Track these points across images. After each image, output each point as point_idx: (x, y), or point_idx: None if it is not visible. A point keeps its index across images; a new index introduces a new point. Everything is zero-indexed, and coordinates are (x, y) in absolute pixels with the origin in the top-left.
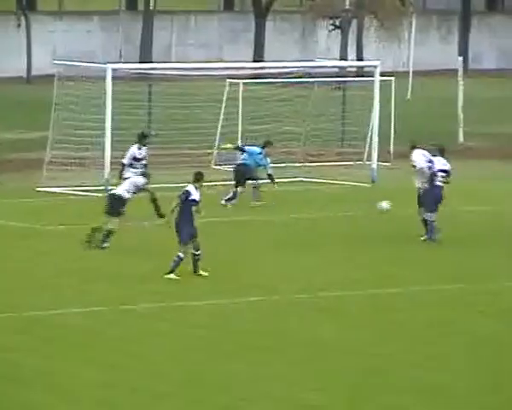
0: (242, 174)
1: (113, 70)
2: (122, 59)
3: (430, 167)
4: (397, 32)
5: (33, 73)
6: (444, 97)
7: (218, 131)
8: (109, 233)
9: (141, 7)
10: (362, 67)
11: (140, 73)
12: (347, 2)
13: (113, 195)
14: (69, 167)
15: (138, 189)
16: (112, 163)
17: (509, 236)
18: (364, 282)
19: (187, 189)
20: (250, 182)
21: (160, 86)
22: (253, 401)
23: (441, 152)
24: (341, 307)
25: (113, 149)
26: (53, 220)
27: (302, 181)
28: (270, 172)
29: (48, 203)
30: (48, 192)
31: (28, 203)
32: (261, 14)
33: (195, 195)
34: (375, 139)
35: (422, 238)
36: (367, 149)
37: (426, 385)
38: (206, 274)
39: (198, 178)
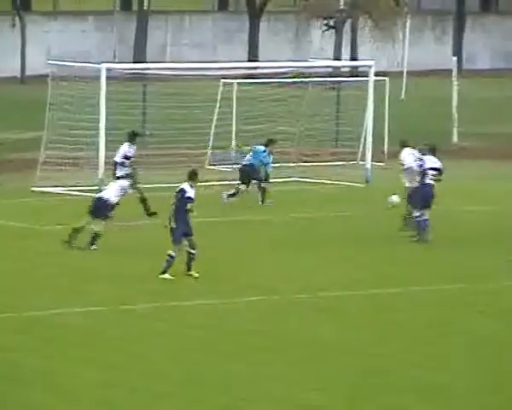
0: (248, 175)
1: (108, 70)
2: (116, 59)
3: (421, 165)
4: (391, 32)
5: (28, 73)
6: (438, 97)
7: (212, 131)
8: (96, 236)
9: (135, 7)
10: (356, 67)
11: (134, 73)
12: (342, 3)
13: (101, 198)
14: (63, 167)
15: (125, 191)
16: (106, 163)
17: (509, 236)
18: (364, 282)
19: (182, 187)
20: (254, 182)
21: (154, 86)
22: (253, 401)
23: (432, 151)
24: (341, 307)
25: (107, 149)
26: (51, 220)
27: (296, 181)
28: (269, 171)
29: (45, 203)
30: (43, 192)
31: (26, 203)
32: (255, 15)
33: (191, 192)
34: (369, 139)
35: (415, 239)
36: (361, 149)
37: (426, 385)
38: (196, 275)
39: (192, 177)
